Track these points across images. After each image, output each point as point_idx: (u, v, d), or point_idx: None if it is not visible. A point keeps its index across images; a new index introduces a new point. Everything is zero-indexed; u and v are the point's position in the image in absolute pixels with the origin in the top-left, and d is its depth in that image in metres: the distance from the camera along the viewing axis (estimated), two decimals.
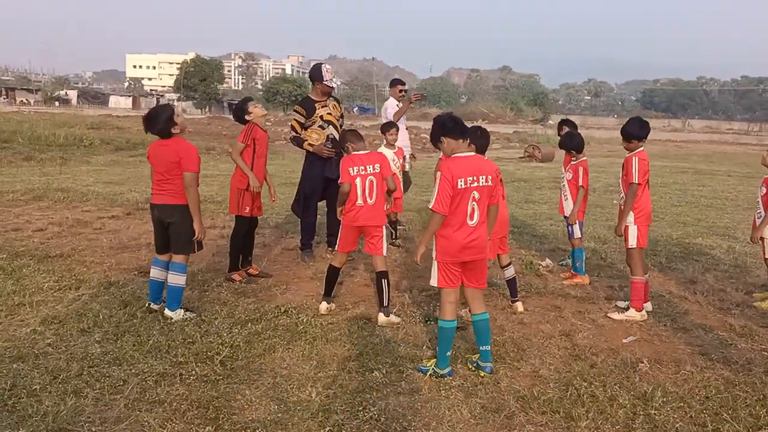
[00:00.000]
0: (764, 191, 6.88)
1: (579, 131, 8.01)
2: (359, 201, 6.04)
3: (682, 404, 4.45)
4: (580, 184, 7.49)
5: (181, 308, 5.90)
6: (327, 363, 5.02)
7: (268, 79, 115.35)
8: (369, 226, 6.06)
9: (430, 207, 4.71)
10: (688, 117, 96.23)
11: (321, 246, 8.80)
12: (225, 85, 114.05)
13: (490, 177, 4.78)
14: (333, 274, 6.27)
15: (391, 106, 9.63)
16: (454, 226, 4.73)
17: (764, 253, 6.84)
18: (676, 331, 5.99)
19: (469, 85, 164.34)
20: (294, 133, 8.06)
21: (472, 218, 4.75)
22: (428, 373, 4.85)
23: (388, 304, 6.01)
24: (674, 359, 5.29)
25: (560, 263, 8.43)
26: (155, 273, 6.05)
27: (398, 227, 10.19)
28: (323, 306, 6.24)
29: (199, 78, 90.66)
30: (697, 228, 11.29)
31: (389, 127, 8.71)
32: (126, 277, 7.12)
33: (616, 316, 6.31)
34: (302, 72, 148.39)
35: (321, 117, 8.00)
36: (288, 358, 5.10)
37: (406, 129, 10.16)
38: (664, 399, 4.50)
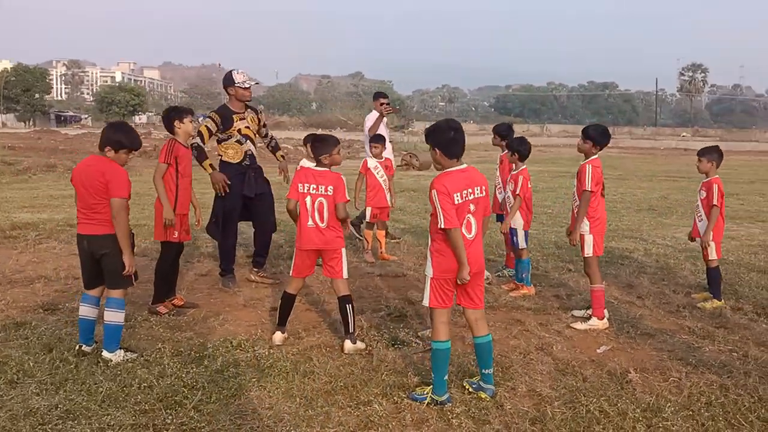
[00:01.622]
0: (704, 195, 7.32)
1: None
2: (309, 222, 5.78)
3: (689, 413, 4.60)
4: (518, 192, 7.67)
5: (120, 348, 5.36)
6: (312, 399, 4.74)
7: (98, 89, 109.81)
8: (324, 250, 5.80)
9: (441, 227, 4.56)
10: (541, 122, 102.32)
11: (244, 267, 8.41)
12: (49, 96, 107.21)
13: (483, 187, 4.74)
14: (288, 301, 5.97)
15: (369, 120, 9.98)
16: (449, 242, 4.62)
17: (707, 256, 7.29)
18: (642, 337, 6.22)
19: (320, 91, 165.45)
20: (199, 141, 7.40)
21: (470, 231, 4.67)
22: (425, 402, 4.70)
23: (354, 330, 5.81)
24: (657, 366, 5.47)
25: (497, 274, 8.56)
26: (85, 311, 5.46)
27: (393, 239, 10.46)
28: (278, 336, 5.91)
29: (21, 88, 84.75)
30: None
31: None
32: (32, 316, 6.39)
33: (579, 326, 6.47)
34: (134, 80, 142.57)
35: (239, 131, 7.60)
36: (266, 397, 4.78)
37: (390, 142, 10.23)
38: (672, 409, 4.63)
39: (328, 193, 5.77)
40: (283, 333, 5.94)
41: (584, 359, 5.66)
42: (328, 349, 5.77)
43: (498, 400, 4.80)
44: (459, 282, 4.60)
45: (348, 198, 5.88)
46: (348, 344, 5.72)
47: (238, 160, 7.59)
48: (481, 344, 4.89)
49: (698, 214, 7.44)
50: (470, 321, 4.91)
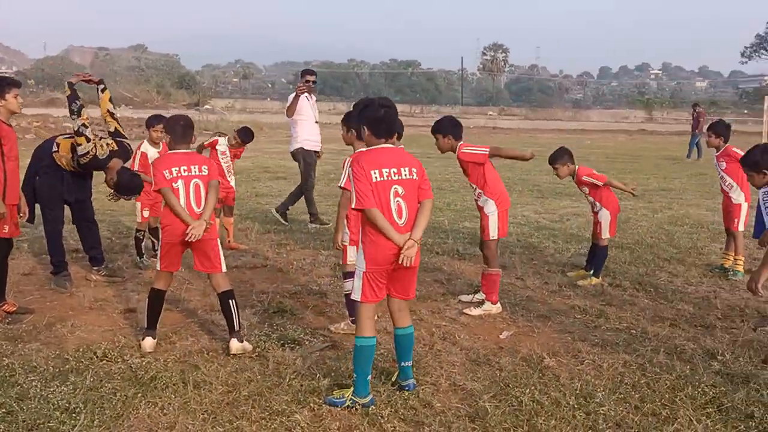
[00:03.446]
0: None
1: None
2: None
3: (620, 396, 4.70)
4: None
5: None
6: (215, 413, 4.34)
7: None
8: (198, 241, 5.29)
9: (353, 207, 4.35)
10: (343, 99, 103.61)
11: (77, 265, 7.55)
12: None
13: (414, 170, 4.51)
14: (157, 300, 5.43)
15: (289, 100, 10.00)
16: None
17: (600, 234, 7.61)
18: (539, 319, 6.34)
19: (97, 65, 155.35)
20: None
21: (400, 217, 4.44)
22: (344, 405, 4.46)
23: (239, 327, 5.41)
24: (567, 350, 5.58)
25: None
26: None
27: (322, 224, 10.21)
28: (148, 342, 5.33)
29: None
30: (455, 212, 12.14)
31: (155, 121, 7.92)
32: None
33: (474, 312, 6.47)
34: None
35: None
36: (160, 414, 4.29)
37: (316, 123, 10.06)
38: (603, 394, 4.71)
39: (203, 173, 5.38)
40: (154, 338, 5.37)
41: (492, 347, 5.65)
42: (211, 354, 5.30)
43: (423, 397, 4.63)
44: (404, 255, 4.32)
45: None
46: (234, 344, 5.30)
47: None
48: (405, 336, 4.72)
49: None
50: (394, 311, 4.71)
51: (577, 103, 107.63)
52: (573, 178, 7.74)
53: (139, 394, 4.50)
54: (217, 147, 8.79)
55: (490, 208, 6.44)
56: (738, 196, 7.96)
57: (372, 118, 4.48)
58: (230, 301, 5.36)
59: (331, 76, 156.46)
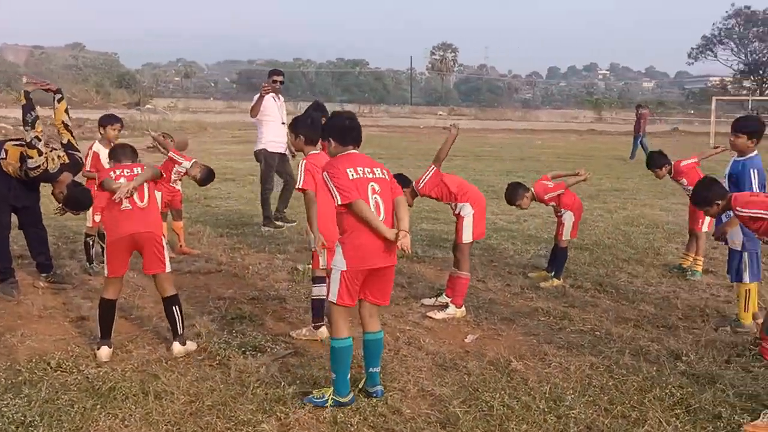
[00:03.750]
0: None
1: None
2: (125, 204, 5.31)
3: (589, 398, 4.78)
4: None
5: None
6: (179, 424, 4.31)
7: None
8: (142, 234, 5.28)
9: (338, 203, 4.42)
10: (289, 99, 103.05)
11: (23, 271, 7.34)
12: None
13: (384, 171, 4.67)
14: (109, 310, 5.40)
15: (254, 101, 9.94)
16: (362, 225, 4.42)
17: (561, 235, 7.72)
18: (503, 322, 6.40)
19: (33, 64, 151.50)
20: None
21: (378, 213, 4.51)
22: (326, 404, 4.51)
23: (183, 330, 5.46)
24: (533, 352, 5.65)
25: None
26: None
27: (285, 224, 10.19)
28: (104, 351, 5.27)
29: None
30: (412, 214, 12.09)
31: (111, 120, 7.86)
32: None
33: (437, 315, 6.50)
34: None
35: None
36: (121, 426, 4.24)
37: (283, 124, 9.98)
38: (572, 397, 4.77)
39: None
40: (109, 347, 5.30)
41: (458, 351, 5.68)
42: (170, 362, 5.24)
43: (391, 404, 4.65)
44: (401, 244, 4.39)
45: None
46: (177, 347, 5.36)
47: None
48: (374, 341, 4.76)
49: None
50: (364, 316, 4.74)
51: (527, 103, 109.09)
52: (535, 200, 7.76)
53: (98, 406, 4.42)
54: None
55: (466, 210, 6.50)
56: None
57: (338, 127, 4.64)
58: (174, 307, 5.40)
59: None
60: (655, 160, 8.35)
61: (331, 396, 4.53)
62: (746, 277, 6.16)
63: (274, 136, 10.19)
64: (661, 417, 4.51)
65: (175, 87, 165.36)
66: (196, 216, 11.18)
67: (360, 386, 4.79)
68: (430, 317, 6.47)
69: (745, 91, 69.66)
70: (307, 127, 5.83)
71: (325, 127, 4.78)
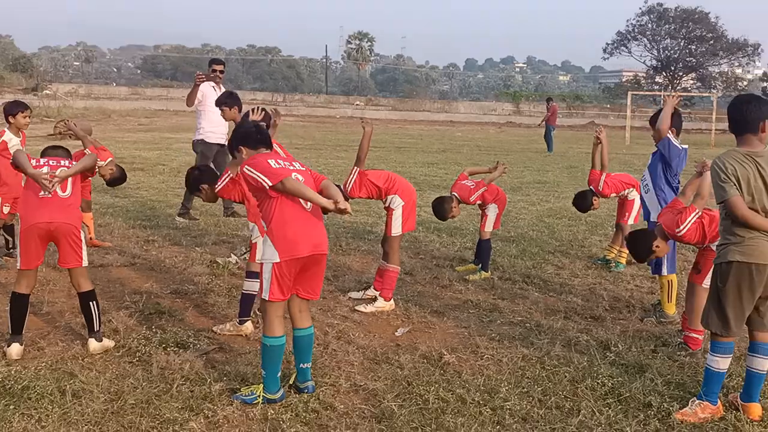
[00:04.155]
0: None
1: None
2: (43, 192, 5.14)
3: (523, 390, 4.87)
4: None
5: None
6: (101, 423, 4.20)
7: None
8: (60, 225, 5.12)
9: (269, 185, 4.40)
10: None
11: None
12: None
13: (299, 164, 4.77)
14: (21, 304, 5.23)
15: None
16: (289, 213, 4.44)
17: (483, 227, 7.82)
18: (433, 315, 6.46)
19: None
20: None
21: (306, 202, 4.50)
22: (256, 401, 4.47)
23: (100, 327, 5.32)
24: (465, 345, 5.72)
25: (242, 257, 8.24)
26: None
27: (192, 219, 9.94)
28: (15, 348, 5.10)
29: None
30: None
31: (20, 108, 7.62)
32: None
33: (366, 309, 6.50)
34: None
35: None
36: (38, 427, 4.11)
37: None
38: (506, 389, 4.86)
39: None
40: (21, 344, 5.12)
41: (389, 344, 5.70)
42: (86, 360, 5.10)
43: (323, 399, 4.64)
44: (344, 207, 4.43)
45: None
46: (93, 343, 5.24)
47: None
48: (305, 336, 4.75)
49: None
50: (295, 312, 4.72)
51: (444, 94, 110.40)
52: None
53: (11, 406, 4.26)
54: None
55: (396, 202, 6.52)
56: (631, 194, 8.40)
57: (245, 134, 4.78)
58: (91, 302, 5.28)
59: (184, 62, 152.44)
60: (585, 203, 8.52)
61: (261, 393, 4.49)
62: (665, 270, 6.41)
63: (213, 126, 10.01)
64: (594, 407, 4.64)
65: (75, 72, 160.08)
66: (104, 207, 10.85)
67: (290, 382, 4.76)
68: (359, 311, 6.47)
69: (657, 87, 72.38)
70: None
71: (234, 138, 4.87)
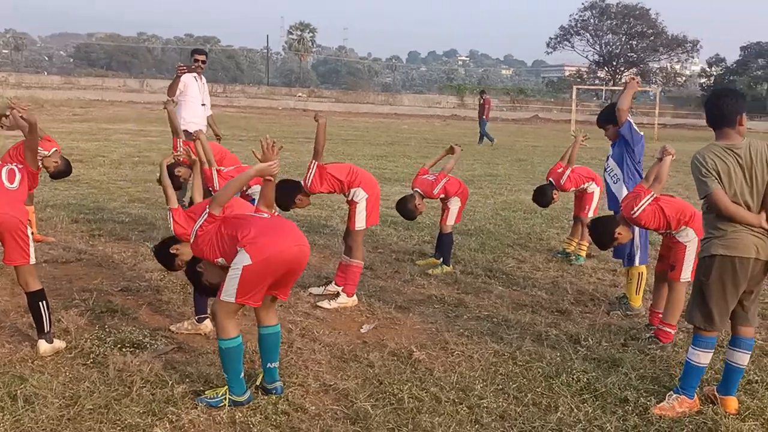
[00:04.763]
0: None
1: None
2: None
3: (497, 387, 4.79)
4: None
5: None
6: (59, 431, 3.89)
7: None
8: (5, 218, 4.85)
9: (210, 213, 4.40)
10: (133, 75, 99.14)
11: None
12: None
13: None
14: None
15: None
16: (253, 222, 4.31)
17: (445, 221, 7.74)
18: (399, 311, 6.35)
19: None
20: None
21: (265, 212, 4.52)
22: (222, 404, 4.29)
23: (50, 327, 5.06)
24: (434, 341, 5.62)
25: None
26: None
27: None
28: None
29: None
30: None
31: None
32: None
33: (328, 305, 6.36)
34: None
35: None
36: None
37: (203, 105, 9.88)
38: (481, 386, 4.77)
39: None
40: None
41: (356, 342, 5.57)
42: (36, 362, 4.84)
43: (293, 400, 4.48)
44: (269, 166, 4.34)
45: None
46: (44, 345, 4.97)
47: None
48: (272, 335, 4.58)
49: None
50: (261, 310, 4.51)
51: (387, 87, 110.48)
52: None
53: None
54: None
55: (359, 195, 6.38)
56: (591, 187, 8.41)
57: None
58: (40, 302, 5.02)
59: (119, 50, 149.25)
60: (545, 198, 8.55)
61: (227, 395, 4.31)
62: (637, 260, 6.42)
63: (193, 116, 9.87)
64: (572, 403, 4.59)
65: (3, 60, 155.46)
66: (45, 200, 10.42)
67: (257, 383, 4.59)
68: (322, 307, 6.32)
69: (598, 81, 73.78)
70: None
71: None
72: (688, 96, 76.39)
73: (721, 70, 76.88)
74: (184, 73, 9.72)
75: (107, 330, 5.44)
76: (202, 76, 10.08)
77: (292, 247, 4.29)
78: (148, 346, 5.20)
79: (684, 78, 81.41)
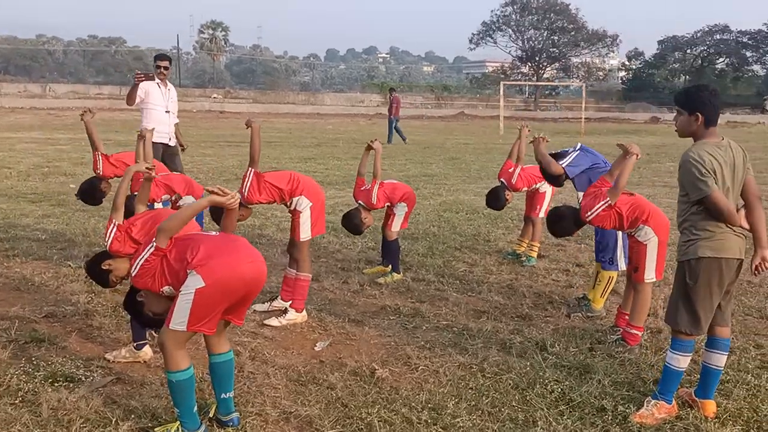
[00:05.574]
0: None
1: None
2: None
3: (471, 404, 4.63)
4: None
5: None
6: None
7: None
8: None
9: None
10: (33, 80, 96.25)
11: None
12: None
13: None
14: None
15: None
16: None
17: (390, 227, 7.55)
18: (352, 325, 6.13)
19: None
20: None
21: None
22: None
23: None
24: (395, 357, 5.43)
25: None
26: None
27: None
28: None
29: None
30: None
31: None
32: None
33: (276, 322, 6.10)
34: None
35: None
36: None
37: (167, 112, 9.49)
38: (453, 403, 4.61)
39: None
40: None
41: (312, 362, 5.33)
42: None
43: None
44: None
45: None
46: None
47: None
48: (225, 362, 4.30)
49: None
50: (212, 336, 4.18)
51: (306, 86, 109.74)
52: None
53: None
54: None
55: (303, 204, 6.13)
56: (543, 187, 8.33)
57: None
58: None
59: (17, 54, 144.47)
60: (498, 202, 8.34)
61: (179, 430, 4.03)
62: (620, 266, 6.39)
63: (156, 124, 9.36)
64: (549, 415, 4.46)
65: None
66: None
67: (210, 415, 4.30)
68: (269, 325, 6.05)
69: (522, 76, 75.06)
70: None
71: None
72: (609, 90, 78.52)
73: (640, 63, 79.27)
74: (142, 80, 9.38)
75: (35, 363, 5.04)
76: (168, 82, 9.72)
77: (248, 264, 4.00)
78: (83, 378, 4.84)
79: (604, 72, 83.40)
